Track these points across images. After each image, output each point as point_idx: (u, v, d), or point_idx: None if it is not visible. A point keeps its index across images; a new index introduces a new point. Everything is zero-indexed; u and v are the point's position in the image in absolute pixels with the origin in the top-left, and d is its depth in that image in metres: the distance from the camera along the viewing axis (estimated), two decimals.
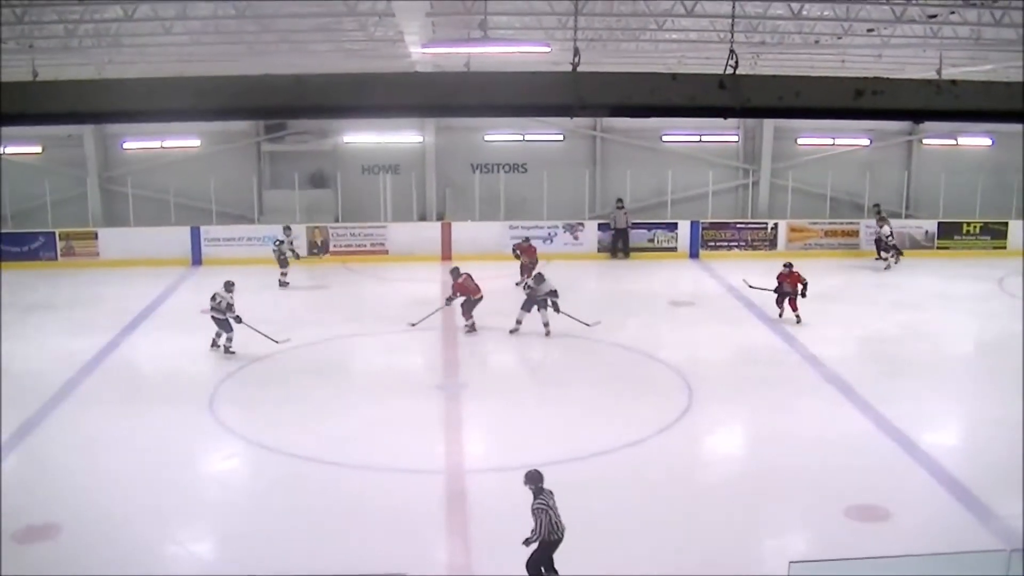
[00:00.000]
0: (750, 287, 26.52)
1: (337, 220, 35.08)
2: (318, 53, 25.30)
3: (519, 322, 24.14)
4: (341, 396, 20.65)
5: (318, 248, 33.84)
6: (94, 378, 21.90)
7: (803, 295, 25.22)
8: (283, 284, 29.88)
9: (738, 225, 35.41)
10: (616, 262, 34.37)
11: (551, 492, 12.55)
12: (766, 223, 35.39)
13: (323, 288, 30.79)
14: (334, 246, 34.03)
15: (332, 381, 21.88)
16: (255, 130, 36.11)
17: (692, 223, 35.08)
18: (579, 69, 8.61)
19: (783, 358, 23.13)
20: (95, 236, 33.99)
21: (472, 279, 25.07)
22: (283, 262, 29.92)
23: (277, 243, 30.24)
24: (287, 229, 30.51)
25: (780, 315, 25.57)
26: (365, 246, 34.14)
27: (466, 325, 24.91)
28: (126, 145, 36.03)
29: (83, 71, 24.56)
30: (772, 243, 35.10)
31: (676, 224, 35.15)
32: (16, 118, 8.09)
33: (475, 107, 8.94)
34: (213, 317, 23.02)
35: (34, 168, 35.35)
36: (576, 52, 9.17)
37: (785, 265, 25.65)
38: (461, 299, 24.96)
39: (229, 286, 23.11)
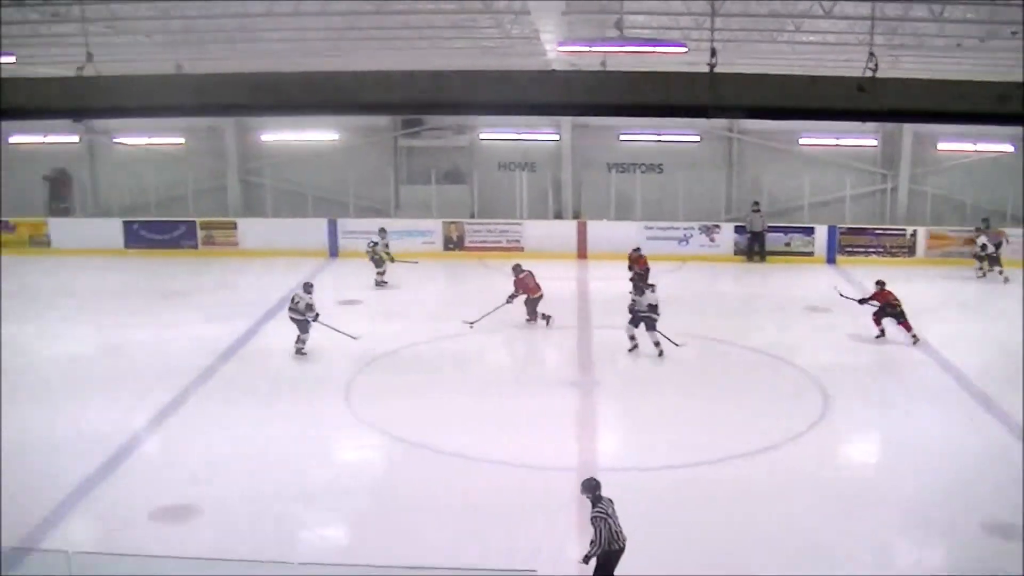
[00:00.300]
0: (841, 296, 25.88)
1: (473, 216, 35.24)
2: (454, 50, 25.47)
3: (632, 339, 23.35)
4: (476, 391, 20.72)
5: (453, 243, 34.06)
6: (231, 365, 22.37)
7: (895, 315, 24.49)
8: (380, 284, 29.78)
9: (876, 231, 34.63)
10: (752, 265, 33.90)
11: (610, 500, 12.35)
12: (905, 230, 34.54)
13: (459, 283, 30.98)
14: (469, 242, 34.19)
15: (467, 375, 22.08)
16: (392, 125, 36.45)
17: (829, 228, 34.39)
18: (715, 70, 8.53)
19: (920, 367, 22.60)
20: (234, 226, 34.73)
21: (533, 277, 25.20)
22: (378, 262, 29.76)
23: (371, 244, 30.04)
24: (382, 231, 30.31)
25: (880, 334, 24.86)
26: (501, 242, 34.23)
27: (528, 321, 25.01)
28: (264, 137, 36.69)
29: (219, 65, 25.06)
30: (911, 250, 34.25)
31: (813, 229, 34.48)
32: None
33: (611, 107, 8.92)
34: (292, 318, 23.18)
35: (177, 158, 36.27)
36: (713, 53, 9.08)
37: (877, 283, 24.95)
38: (523, 297, 25.01)
39: (308, 287, 23.28)
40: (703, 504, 14.98)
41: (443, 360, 22.92)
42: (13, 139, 36.65)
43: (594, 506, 12.25)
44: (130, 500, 15.80)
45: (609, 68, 23.72)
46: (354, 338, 23.17)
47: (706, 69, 8.52)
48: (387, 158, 36.60)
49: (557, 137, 36.25)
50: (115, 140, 36.62)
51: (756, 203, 34.22)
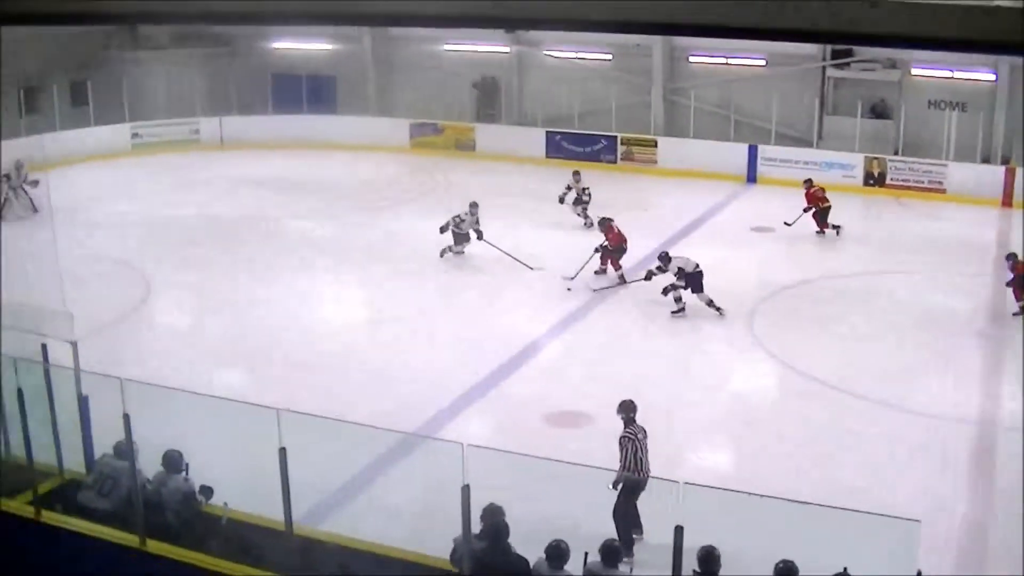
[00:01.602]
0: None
1: (897, 153, 33.92)
2: None
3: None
4: (877, 331, 20.09)
5: (873, 180, 32.92)
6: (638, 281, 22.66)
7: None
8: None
9: None
10: None
11: (643, 428, 12.16)
12: None
13: (874, 220, 30.04)
14: (890, 180, 32.96)
15: (868, 314, 21.29)
16: (821, 54, 35.46)
17: None
18: None
19: None
20: (655, 144, 34.95)
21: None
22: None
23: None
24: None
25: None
26: (923, 183, 32.78)
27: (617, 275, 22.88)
28: (692, 59, 36.61)
29: None
30: None
31: None
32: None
33: None
34: (453, 231, 23.67)
35: (602, 74, 36.81)
36: None
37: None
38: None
39: (474, 208, 23.78)
40: None
41: (847, 297, 22.24)
42: (447, 46, 38.27)
43: (625, 427, 12.19)
44: (527, 400, 16.49)
45: None
46: (531, 268, 22.95)
47: None
48: (813, 88, 35.59)
49: (993, 77, 34.17)
50: (545, 52, 37.54)
51: None
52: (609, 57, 37.04)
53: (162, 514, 11.35)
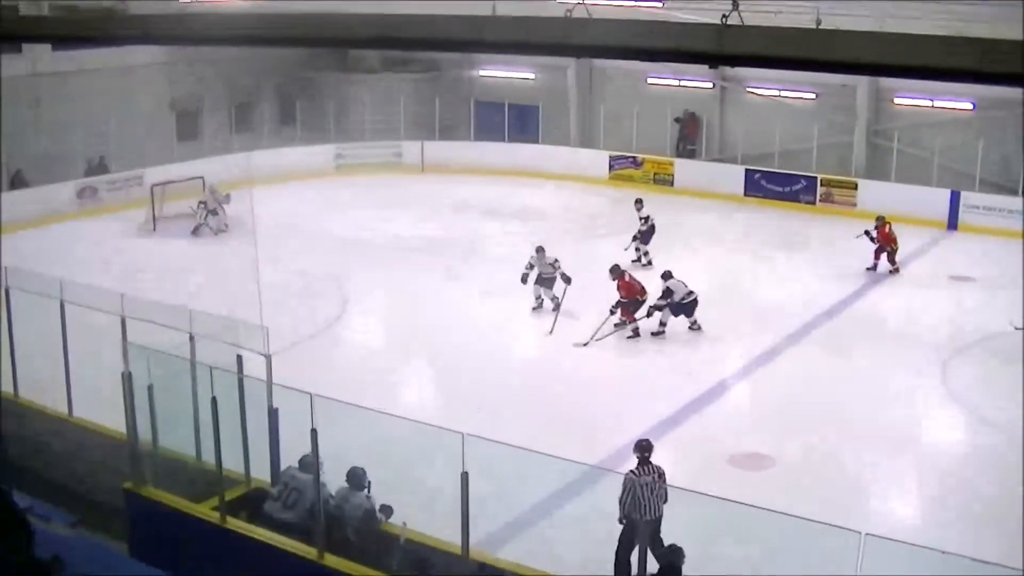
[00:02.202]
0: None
1: None
2: None
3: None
4: None
5: None
6: (835, 322, 22.28)
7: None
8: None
9: None
10: None
11: (660, 470, 11.85)
12: None
13: None
14: None
15: None
16: None
17: None
18: None
19: None
20: (855, 187, 34.18)
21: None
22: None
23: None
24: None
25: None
26: None
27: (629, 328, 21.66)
28: (897, 100, 35.74)
29: None
30: None
31: None
32: None
33: None
34: (541, 276, 22.87)
35: (805, 113, 36.23)
36: None
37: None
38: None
39: (540, 254, 22.90)
40: None
41: None
42: (650, 80, 38.25)
43: (637, 466, 11.91)
44: (712, 439, 16.33)
45: None
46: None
47: None
48: (1020, 134, 34.40)
49: None
50: (748, 89, 37.19)
51: None
52: (813, 96, 36.46)
53: (342, 529, 11.60)
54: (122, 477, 13.35)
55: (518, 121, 39.81)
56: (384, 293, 24.31)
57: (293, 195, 33.06)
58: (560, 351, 20.70)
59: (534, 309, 23.08)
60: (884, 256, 26.30)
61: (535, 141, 39.30)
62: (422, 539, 11.50)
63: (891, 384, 19.06)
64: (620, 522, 11.79)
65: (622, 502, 11.75)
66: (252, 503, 12.39)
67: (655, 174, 36.96)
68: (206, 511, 12.32)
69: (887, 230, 26.43)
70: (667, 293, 21.14)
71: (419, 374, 19.86)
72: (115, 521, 13.54)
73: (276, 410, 12.60)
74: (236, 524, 12.09)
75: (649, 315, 20.98)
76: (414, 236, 28.70)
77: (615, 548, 11.71)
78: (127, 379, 12.98)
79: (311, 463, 11.68)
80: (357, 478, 11.86)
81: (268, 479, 12.64)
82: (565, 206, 33.67)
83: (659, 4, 17.98)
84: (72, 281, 15.92)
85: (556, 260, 22.99)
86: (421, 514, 11.88)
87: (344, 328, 22.50)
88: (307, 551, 11.32)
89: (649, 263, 26.03)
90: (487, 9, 22.32)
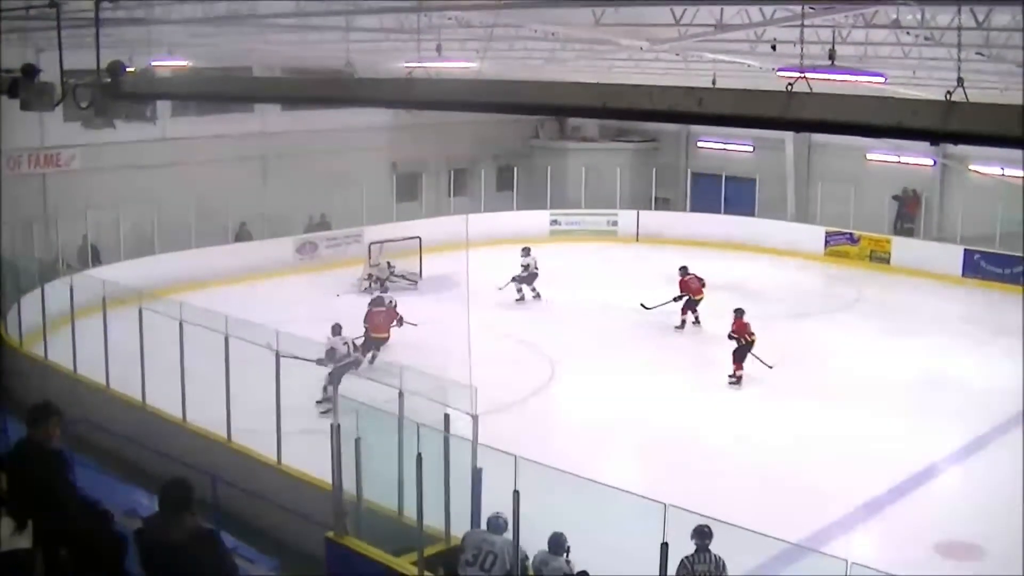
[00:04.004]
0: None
1: None
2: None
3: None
4: None
5: None
6: None
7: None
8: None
9: None
10: None
11: (720, 560, 11.09)
12: None
13: None
14: None
15: None
16: None
17: None
18: None
19: None
20: None
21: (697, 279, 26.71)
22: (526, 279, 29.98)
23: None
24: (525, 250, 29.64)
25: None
26: None
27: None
28: None
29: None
30: None
31: None
32: None
33: None
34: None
35: None
36: None
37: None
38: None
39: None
40: None
41: None
42: (870, 156, 37.52)
43: (694, 552, 11.19)
44: (918, 526, 15.79)
45: None
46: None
47: None
48: None
49: None
50: (971, 168, 36.11)
51: None
52: None
53: None
54: (324, 526, 13.58)
55: (734, 194, 39.54)
56: (593, 361, 24.23)
57: (508, 259, 33.42)
58: (768, 427, 20.32)
59: (517, 301, 27.59)
60: None
61: (751, 214, 38.91)
62: None
63: None
64: None
65: None
66: (450, 561, 12.43)
67: (872, 251, 36.16)
68: (405, 565, 12.44)
69: (686, 279, 27.27)
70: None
71: (623, 442, 19.73)
72: (314, 568, 13.80)
73: (480, 470, 12.66)
74: None
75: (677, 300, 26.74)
76: (626, 306, 28.59)
77: None
78: (335, 431, 13.24)
79: (499, 524, 11.72)
80: (558, 543, 11.80)
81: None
82: (778, 282, 33.13)
83: (881, 79, 17.55)
84: (288, 333, 16.39)
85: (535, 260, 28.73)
86: None
87: (551, 394, 22.59)
88: None
89: (537, 296, 29.96)
90: (707, 81, 22.27)
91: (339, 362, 20.09)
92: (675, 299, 26.95)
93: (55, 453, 8.02)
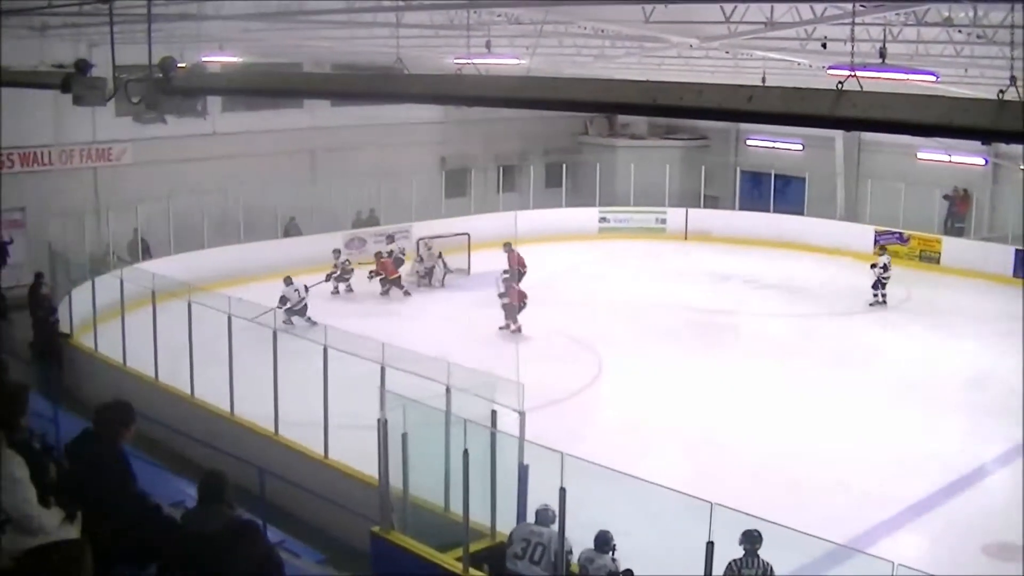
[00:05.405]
0: None
1: None
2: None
3: None
4: None
5: None
6: None
7: None
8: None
9: None
10: None
11: (768, 566, 10.95)
12: None
13: None
14: None
15: None
16: None
17: None
18: None
19: None
20: None
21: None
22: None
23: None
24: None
25: None
26: None
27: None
28: None
29: None
30: None
31: None
32: None
33: None
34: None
35: None
36: None
37: None
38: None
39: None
40: None
41: None
42: (920, 155, 37.14)
43: (742, 556, 11.06)
44: (966, 527, 15.64)
45: None
46: None
47: None
48: None
49: None
50: (1022, 167, 35.73)
51: None
52: None
53: None
54: (369, 521, 13.63)
55: (783, 192, 39.36)
56: (640, 358, 24.16)
57: (557, 256, 33.39)
58: (814, 427, 20.18)
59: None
60: None
61: (800, 213, 38.74)
62: None
63: None
64: None
65: None
66: (495, 557, 12.44)
67: (921, 251, 35.86)
68: (450, 561, 12.45)
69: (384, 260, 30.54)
70: None
71: (670, 440, 19.62)
72: (359, 563, 13.84)
73: (527, 467, 12.66)
74: None
75: None
76: (674, 303, 28.53)
77: None
78: (382, 426, 13.28)
79: (547, 516, 11.74)
80: (604, 540, 11.79)
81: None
82: (827, 280, 32.92)
83: (933, 77, 17.35)
84: (335, 327, 16.45)
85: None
86: None
87: (599, 390, 22.53)
88: None
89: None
90: (756, 79, 22.14)
91: (293, 308, 25.14)
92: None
93: (121, 453, 8.02)
